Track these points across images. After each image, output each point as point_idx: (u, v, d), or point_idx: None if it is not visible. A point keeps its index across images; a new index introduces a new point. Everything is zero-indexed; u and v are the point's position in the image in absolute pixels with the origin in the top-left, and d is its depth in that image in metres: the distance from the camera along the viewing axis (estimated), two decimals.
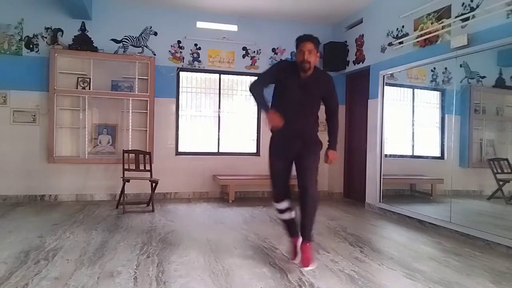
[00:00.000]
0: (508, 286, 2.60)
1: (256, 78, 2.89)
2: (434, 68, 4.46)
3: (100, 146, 5.59)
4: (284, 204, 2.90)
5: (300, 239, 2.86)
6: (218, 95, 6.17)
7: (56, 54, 5.24)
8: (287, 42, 6.29)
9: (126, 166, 5.02)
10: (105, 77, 5.52)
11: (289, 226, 2.98)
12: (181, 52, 5.91)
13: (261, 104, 2.83)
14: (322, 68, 6.30)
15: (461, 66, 4.01)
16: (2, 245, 3.22)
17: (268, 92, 2.88)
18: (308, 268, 2.75)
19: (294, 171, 2.91)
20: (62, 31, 5.42)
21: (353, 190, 6.12)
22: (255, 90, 2.81)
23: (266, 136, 3.41)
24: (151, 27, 5.76)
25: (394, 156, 5.16)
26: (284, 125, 2.65)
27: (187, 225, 4.19)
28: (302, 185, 2.79)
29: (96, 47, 5.49)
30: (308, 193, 2.74)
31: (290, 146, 2.83)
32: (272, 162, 2.92)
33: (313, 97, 2.84)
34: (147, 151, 5.31)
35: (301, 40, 2.76)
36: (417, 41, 4.56)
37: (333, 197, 6.31)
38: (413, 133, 5.18)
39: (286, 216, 2.94)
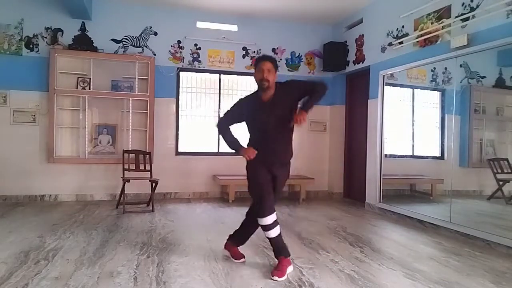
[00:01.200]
0: (508, 286, 2.60)
1: (221, 116, 2.96)
2: (434, 68, 4.46)
3: (100, 146, 5.59)
4: (270, 218, 2.71)
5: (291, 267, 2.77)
6: (218, 95, 6.17)
7: (56, 54, 5.24)
8: (287, 42, 6.31)
9: (126, 166, 5.02)
10: (105, 77, 5.52)
11: (279, 243, 2.79)
12: (181, 52, 5.91)
13: (229, 144, 2.89)
14: (322, 68, 6.33)
15: (461, 66, 4.01)
16: (2, 245, 3.22)
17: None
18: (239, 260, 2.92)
19: None
20: (62, 31, 5.42)
21: (353, 190, 6.12)
22: (221, 130, 2.91)
23: None
24: (151, 27, 5.76)
25: (394, 156, 5.16)
26: (261, 152, 2.78)
27: (187, 225, 4.19)
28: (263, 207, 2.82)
29: (96, 47, 5.49)
30: (259, 214, 2.76)
31: (271, 168, 2.83)
32: (259, 176, 2.80)
33: (281, 115, 2.76)
34: (147, 151, 5.31)
35: (260, 60, 2.80)
36: (417, 41, 4.56)
37: (333, 197, 6.31)
38: (413, 133, 5.18)
39: (273, 233, 2.73)
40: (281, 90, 2.82)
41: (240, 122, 2.94)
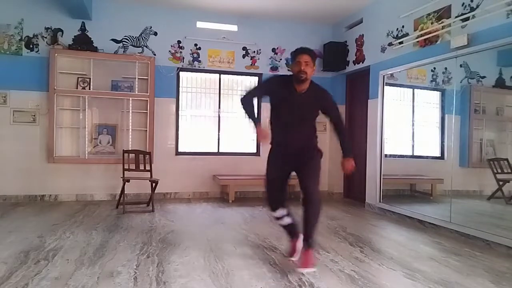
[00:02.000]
0: (508, 286, 2.59)
1: (247, 91, 2.93)
2: (434, 68, 4.46)
3: (100, 146, 5.59)
4: (280, 212, 2.93)
5: (300, 240, 2.90)
6: (218, 95, 6.17)
7: (56, 54, 5.24)
8: (287, 42, 6.30)
9: (126, 166, 5.02)
10: (105, 77, 5.52)
11: (289, 230, 3.03)
12: (181, 52, 5.91)
13: (249, 115, 2.84)
14: (322, 68, 6.33)
15: (461, 66, 4.01)
16: (2, 245, 3.22)
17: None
18: (307, 270, 2.73)
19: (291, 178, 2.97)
20: (62, 31, 5.42)
21: (353, 190, 6.12)
22: (245, 101, 2.84)
23: None
24: (151, 27, 5.76)
25: (394, 156, 5.16)
26: (283, 141, 2.84)
27: (187, 225, 4.19)
28: (305, 194, 2.80)
29: (96, 47, 5.49)
30: (311, 201, 2.77)
31: (289, 160, 2.85)
32: (269, 172, 2.93)
33: (309, 112, 2.85)
34: (147, 151, 5.31)
35: (298, 52, 2.78)
36: (417, 41, 4.56)
37: (333, 197, 6.31)
38: (413, 133, 5.18)
39: (284, 222, 2.98)
40: (315, 91, 2.85)
41: (265, 96, 2.94)
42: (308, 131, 2.92)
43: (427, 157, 5.01)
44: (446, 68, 4.27)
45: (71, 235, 3.59)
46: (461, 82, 4.06)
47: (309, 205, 2.77)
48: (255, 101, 2.89)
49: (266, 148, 3.05)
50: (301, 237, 2.89)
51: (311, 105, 2.84)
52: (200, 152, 6.09)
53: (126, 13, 5.65)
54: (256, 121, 2.81)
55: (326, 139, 6.51)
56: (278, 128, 2.91)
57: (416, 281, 2.64)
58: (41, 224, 4.00)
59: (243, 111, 2.84)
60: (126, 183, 4.82)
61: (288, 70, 6.31)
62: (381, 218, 4.81)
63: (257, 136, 2.79)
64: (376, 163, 5.13)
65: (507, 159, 3.84)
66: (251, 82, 6.29)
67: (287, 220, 2.98)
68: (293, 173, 2.90)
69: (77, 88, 5.41)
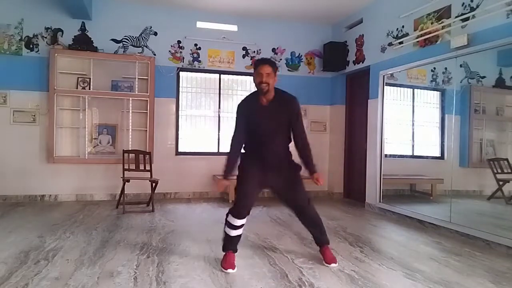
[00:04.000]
0: (508, 286, 2.59)
1: (231, 139, 2.90)
2: (434, 68, 4.46)
3: (100, 146, 5.59)
4: (242, 221, 2.82)
5: (234, 256, 2.85)
6: (218, 95, 6.17)
7: (56, 54, 5.24)
8: (287, 42, 6.31)
9: (126, 166, 5.02)
10: (105, 77, 5.52)
11: (236, 241, 2.88)
12: (181, 52, 5.91)
13: (227, 167, 2.86)
14: (322, 68, 6.33)
15: (461, 66, 4.01)
16: (2, 245, 3.22)
17: None
18: (334, 265, 2.87)
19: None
20: (62, 31, 5.42)
21: (353, 190, 6.12)
22: (232, 151, 2.87)
23: None
24: (151, 27, 5.76)
25: (394, 156, 5.16)
26: (258, 153, 2.82)
27: (187, 225, 4.19)
28: (300, 212, 2.94)
29: (96, 47, 5.49)
30: (308, 216, 2.95)
31: (266, 172, 2.82)
32: (244, 182, 2.84)
33: (279, 121, 2.80)
34: (147, 151, 5.31)
35: (258, 64, 2.78)
36: (417, 41, 4.56)
37: (333, 197, 6.31)
38: (413, 133, 5.18)
39: (239, 232, 2.84)
40: (282, 99, 2.82)
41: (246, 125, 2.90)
42: (281, 145, 2.87)
43: (427, 157, 5.01)
44: (446, 68, 4.27)
45: (71, 235, 3.59)
46: (461, 82, 4.06)
47: (309, 219, 2.96)
48: (242, 140, 2.89)
49: None
50: (234, 255, 2.86)
51: (279, 115, 2.80)
52: (200, 152, 6.10)
53: (126, 13, 5.65)
54: (225, 175, 2.85)
55: (326, 139, 6.52)
56: (252, 143, 2.88)
57: (416, 281, 2.64)
58: (41, 224, 4.00)
59: (226, 161, 2.86)
60: (126, 183, 4.82)
61: (288, 70, 6.32)
62: (381, 218, 4.81)
63: (217, 186, 2.87)
64: (376, 163, 5.13)
65: (507, 159, 3.84)
66: (251, 82, 6.29)
67: (240, 232, 2.85)
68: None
69: (77, 88, 5.41)
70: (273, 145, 2.83)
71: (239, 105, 2.91)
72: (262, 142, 2.82)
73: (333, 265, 2.88)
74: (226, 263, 2.77)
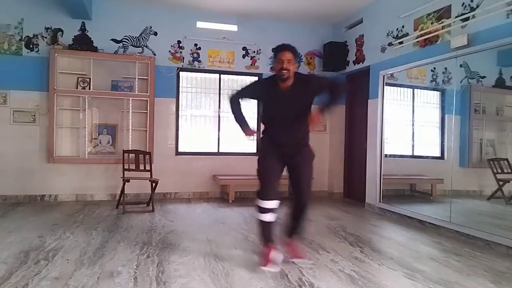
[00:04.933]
0: (508, 286, 2.59)
1: (234, 92, 2.91)
2: (434, 68, 4.46)
3: (100, 146, 5.59)
4: (272, 204, 2.74)
5: (277, 255, 2.82)
6: (218, 95, 6.17)
7: (56, 54, 5.24)
8: (287, 42, 6.25)
9: (126, 166, 5.02)
10: (105, 77, 5.52)
11: (268, 230, 2.81)
12: (181, 52, 5.91)
13: (237, 118, 2.85)
14: (322, 68, 6.33)
15: (461, 66, 4.01)
16: (2, 245, 3.22)
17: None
18: (300, 260, 2.78)
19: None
20: (62, 31, 5.42)
21: (353, 190, 6.12)
22: (233, 101, 2.87)
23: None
24: (151, 27, 5.76)
25: (394, 156, 5.16)
26: (276, 139, 2.80)
27: (187, 225, 4.19)
28: (300, 199, 2.86)
29: (96, 47, 5.49)
30: (305, 206, 2.86)
31: (284, 156, 2.82)
32: (264, 160, 2.85)
33: (299, 106, 2.78)
34: (147, 151, 5.31)
35: (279, 50, 2.74)
36: (417, 41, 4.56)
37: (333, 197, 6.31)
38: (413, 133, 5.18)
39: (268, 217, 2.76)
40: (300, 82, 2.79)
41: (250, 99, 2.96)
42: (301, 128, 2.85)
43: (427, 157, 5.01)
44: (446, 68, 4.27)
45: (71, 235, 3.59)
46: (461, 82, 4.06)
47: (302, 209, 2.86)
48: (242, 102, 2.89)
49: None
50: (277, 252, 2.84)
51: (300, 99, 2.77)
52: (200, 152, 6.09)
53: (126, 13, 5.65)
54: (244, 126, 2.83)
55: (326, 139, 6.52)
56: (270, 127, 2.89)
57: (416, 281, 2.64)
58: (41, 224, 4.00)
59: (231, 111, 2.86)
60: (126, 183, 4.81)
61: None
62: (381, 218, 4.81)
63: (245, 136, 2.84)
64: (376, 163, 5.13)
65: (507, 159, 3.84)
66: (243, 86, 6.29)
67: (271, 217, 2.77)
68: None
69: (77, 88, 5.41)
70: (292, 130, 2.81)
71: (255, 82, 2.91)
72: (281, 127, 2.80)
73: (299, 260, 2.78)
74: (264, 259, 2.74)
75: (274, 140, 2.83)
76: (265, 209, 2.74)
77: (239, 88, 2.95)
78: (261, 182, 2.80)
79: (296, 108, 2.77)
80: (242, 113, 2.88)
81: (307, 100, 2.81)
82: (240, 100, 2.90)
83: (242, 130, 2.85)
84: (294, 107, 2.76)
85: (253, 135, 2.81)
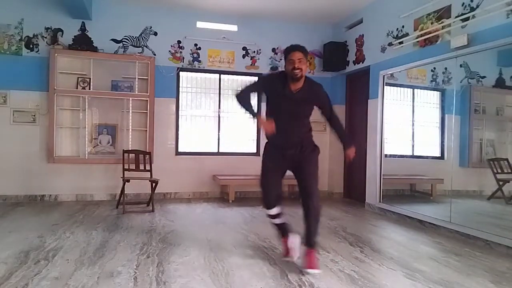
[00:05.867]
0: (508, 286, 2.59)
1: (242, 88, 2.88)
2: (434, 68, 4.46)
3: (100, 146, 5.59)
4: (275, 210, 2.91)
5: (292, 239, 2.94)
6: (218, 95, 6.17)
7: (56, 54, 5.24)
8: (287, 42, 6.17)
9: (126, 166, 5.02)
10: (105, 77, 5.52)
11: (282, 229, 3.01)
12: (181, 52, 5.91)
13: (247, 109, 2.80)
14: (322, 68, 6.33)
15: (461, 66, 4.01)
16: (2, 245, 3.22)
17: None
18: (312, 271, 2.72)
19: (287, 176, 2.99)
20: (62, 31, 5.42)
21: (353, 190, 6.12)
22: (241, 96, 2.80)
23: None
24: (151, 27, 5.76)
25: (394, 156, 5.16)
26: (279, 137, 2.78)
27: (187, 225, 4.19)
28: (305, 196, 2.84)
29: (96, 47, 5.49)
30: (312, 203, 2.82)
31: (286, 156, 2.84)
32: (266, 170, 2.90)
33: (305, 108, 2.84)
34: (147, 151, 5.31)
35: (290, 50, 2.74)
36: (417, 41, 4.56)
37: (333, 197, 6.31)
38: (413, 133, 5.18)
39: (278, 220, 2.97)
40: (310, 87, 2.81)
41: (259, 94, 3.00)
42: (304, 128, 2.90)
43: (427, 157, 5.01)
44: (446, 68, 4.27)
45: (71, 235, 3.59)
46: (461, 82, 4.06)
47: (310, 206, 2.80)
48: (251, 96, 2.85)
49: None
50: (293, 236, 2.95)
51: (307, 102, 2.82)
52: (200, 152, 6.10)
53: (126, 13, 5.65)
54: (255, 113, 2.78)
55: (326, 139, 6.52)
56: (275, 124, 2.82)
57: (416, 281, 2.64)
58: (41, 224, 4.00)
59: (239, 106, 2.80)
60: (126, 183, 4.81)
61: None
62: (381, 218, 4.81)
63: (261, 126, 2.79)
64: (376, 163, 5.13)
65: (507, 159, 3.84)
66: (251, 82, 6.29)
67: (280, 219, 2.97)
68: (289, 173, 2.92)
69: (77, 88, 5.41)
70: (296, 128, 2.84)
71: (265, 77, 2.91)
72: (285, 126, 2.79)
73: (311, 271, 2.71)
74: (284, 250, 2.97)
75: (278, 140, 2.82)
76: (272, 215, 2.94)
77: (246, 86, 2.88)
78: (263, 193, 2.93)
79: (303, 110, 2.82)
80: (252, 105, 2.81)
81: (312, 105, 2.88)
82: (249, 94, 2.84)
83: (257, 119, 2.80)
84: (301, 109, 2.80)
85: (271, 128, 2.68)
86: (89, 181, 5.54)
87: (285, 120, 2.79)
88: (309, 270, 2.72)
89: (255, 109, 2.83)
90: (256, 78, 2.89)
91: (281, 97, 2.79)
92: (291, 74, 2.71)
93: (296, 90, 2.76)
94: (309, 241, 2.83)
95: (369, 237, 3.86)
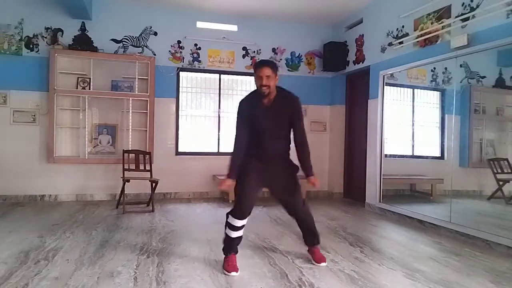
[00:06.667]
0: (508, 286, 2.60)
1: (234, 139, 2.86)
2: (434, 68, 4.46)
3: (100, 146, 5.59)
4: (244, 221, 2.81)
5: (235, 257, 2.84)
6: (218, 95, 6.17)
7: (56, 54, 5.24)
8: (287, 42, 6.31)
9: (126, 166, 5.02)
10: (105, 77, 5.52)
11: (237, 243, 2.85)
12: (181, 52, 5.91)
13: (231, 166, 2.79)
14: (322, 68, 6.33)
15: (461, 66, 4.01)
16: (2, 245, 3.22)
17: None
18: (323, 264, 2.90)
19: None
20: (62, 31, 5.42)
21: (353, 190, 6.12)
22: (236, 154, 2.81)
23: None
24: (151, 27, 5.76)
25: (394, 156, 5.16)
26: (258, 152, 2.81)
27: (187, 225, 4.19)
28: (293, 213, 2.96)
29: (96, 47, 5.49)
30: (301, 217, 2.97)
31: (264, 174, 2.81)
32: (245, 180, 2.80)
33: (280, 121, 2.81)
34: (147, 151, 5.31)
35: (257, 66, 2.74)
36: (417, 41, 4.56)
37: (333, 197, 6.31)
38: (413, 133, 5.18)
39: (240, 233, 2.82)
40: (284, 99, 2.81)
41: (249, 124, 2.86)
42: (280, 143, 2.86)
43: (427, 157, 5.01)
44: (446, 68, 4.27)
45: (71, 235, 3.59)
46: (461, 82, 4.06)
47: (301, 221, 2.99)
48: (247, 132, 2.82)
49: None
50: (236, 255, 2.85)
51: (280, 115, 2.80)
52: (200, 152, 6.10)
53: (126, 13, 5.65)
54: (230, 175, 2.78)
55: (326, 138, 6.53)
56: (252, 143, 2.84)
57: (416, 281, 2.64)
58: (41, 224, 4.00)
59: (232, 163, 2.79)
60: (126, 183, 4.81)
61: (289, 70, 6.32)
62: (381, 218, 4.81)
63: (220, 184, 2.85)
64: (376, 163, 5.13)
65: (507, 159, 3.84)
66: (251, 82, 6.29)
67: (241, 232, 2.83)
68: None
69: (77, 88, 5.41)
70: (273, 145, 2.83)
71: (241, 104, 2.88)
72: (262, 142, 2.81)
73: (322, 264, 2.91)
74: (228, 266, 2.73)
75: (256, 155, 2.81)
76: (237, 227, 2.79)
77: (235, 132, 2.86)
78: (237, 203, 2.81)
79: (278, 122, 2.80)
80: (236, 167, 2.80)
81: (286, 119, 2.82)
82: (246, 137, 2.82)
83: (228, 175, 2.79)
84: (275, 122, 2.79)
85: (224, 186, 2.81)
86: (89, 181, 5.55)
87: (262, 135, 2.80)
88: (321, 264, 2.91)
89: (235, 169, 2.78)
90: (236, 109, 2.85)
91: (257, 113, 2.79)
92: (259, 90, 2.74)
93: (268, 103, 2.79)
94: (311, 242, 3.03)
95: (369, 237, 3.86)
